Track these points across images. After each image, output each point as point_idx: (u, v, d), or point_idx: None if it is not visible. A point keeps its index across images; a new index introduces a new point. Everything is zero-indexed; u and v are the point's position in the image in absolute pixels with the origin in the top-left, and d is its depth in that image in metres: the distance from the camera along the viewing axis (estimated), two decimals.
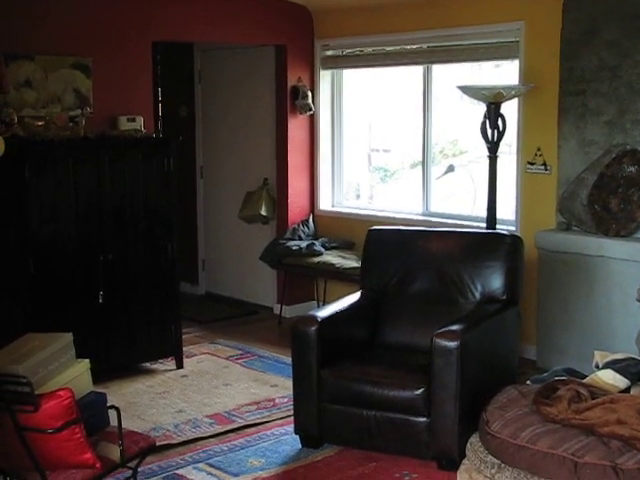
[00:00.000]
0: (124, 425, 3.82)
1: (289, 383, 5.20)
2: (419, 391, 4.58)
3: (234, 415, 5.42)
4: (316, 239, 7.62)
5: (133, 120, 6.36)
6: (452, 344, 4.48)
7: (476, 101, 6.25)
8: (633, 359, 4.69)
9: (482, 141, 6.14)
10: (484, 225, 6.16)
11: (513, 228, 6.40)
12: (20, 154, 5.53)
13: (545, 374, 5.06)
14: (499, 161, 6.11)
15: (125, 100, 6.47)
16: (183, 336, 6.43)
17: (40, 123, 5.92)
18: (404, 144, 7.68)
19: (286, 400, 5.56)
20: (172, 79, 8.43)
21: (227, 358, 6.61)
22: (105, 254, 5.90)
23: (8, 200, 5.61)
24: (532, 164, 6.35)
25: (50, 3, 6.16)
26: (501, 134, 6.08)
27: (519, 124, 6.41)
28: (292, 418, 4.99)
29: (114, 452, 3.74)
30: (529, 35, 6.28)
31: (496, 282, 5.18)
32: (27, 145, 5.62)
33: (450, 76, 7.06)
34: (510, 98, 6.04)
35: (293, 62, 7.63)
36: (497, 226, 6.14)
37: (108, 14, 6.44)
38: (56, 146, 5.72)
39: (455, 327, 4.64)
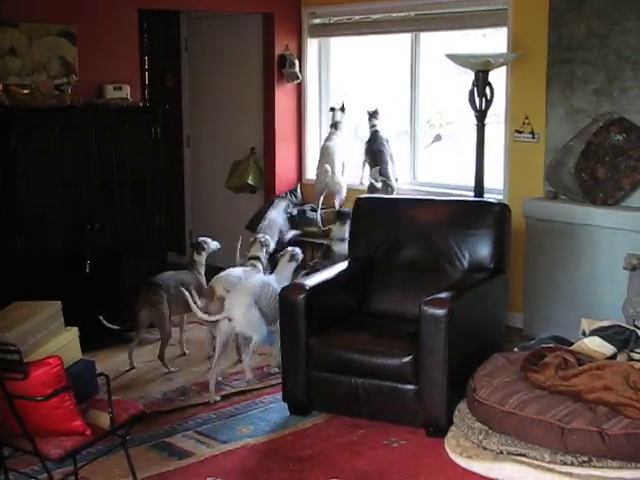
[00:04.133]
0: (113, 394, 3.82)
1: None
2: (407, 359, 4.59)
3: (223, 383, 5.43)
4: None
5: (119, 88, 6.32)
6: (440, 312, 4.49)
7: (463, 72, 6.22)
8: (620, 326, 4.74)
9: (469, 111, 6.13)
10: (472, 194, 6.16)
11: (501, 197, 6.40)
12: (6, 122, 5.49)
13: (532, 341, 5.10)
14: (487, 130, 6.11)
15: (111, 68, 6.42)
16: None
17: (26, 91, 5.87)
18: (391, 114, 7.64)
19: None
20: (158, 47, 8.36)
21: None
22: (92, 223, 5.88)
23: None
24: (520, 132, 6.35)
25: None
26: (489, 102, 6.06)
27: (507, 92, 6.40)
28: (281, 386, 5.01)
29: (104, 419, 3.75)
30: (517, 2, 6.24)
31: (484, 250, 5.19)
32: (13, 113, 5.58)
33: (437, 46, 7.01)
34: (498, 66, 6.02)
35: (280, 30, 7.58)
36: (485, 195, 6.14)
37: None
38: (42, 114, 5.68)
39: (443, 295, 4.65)
